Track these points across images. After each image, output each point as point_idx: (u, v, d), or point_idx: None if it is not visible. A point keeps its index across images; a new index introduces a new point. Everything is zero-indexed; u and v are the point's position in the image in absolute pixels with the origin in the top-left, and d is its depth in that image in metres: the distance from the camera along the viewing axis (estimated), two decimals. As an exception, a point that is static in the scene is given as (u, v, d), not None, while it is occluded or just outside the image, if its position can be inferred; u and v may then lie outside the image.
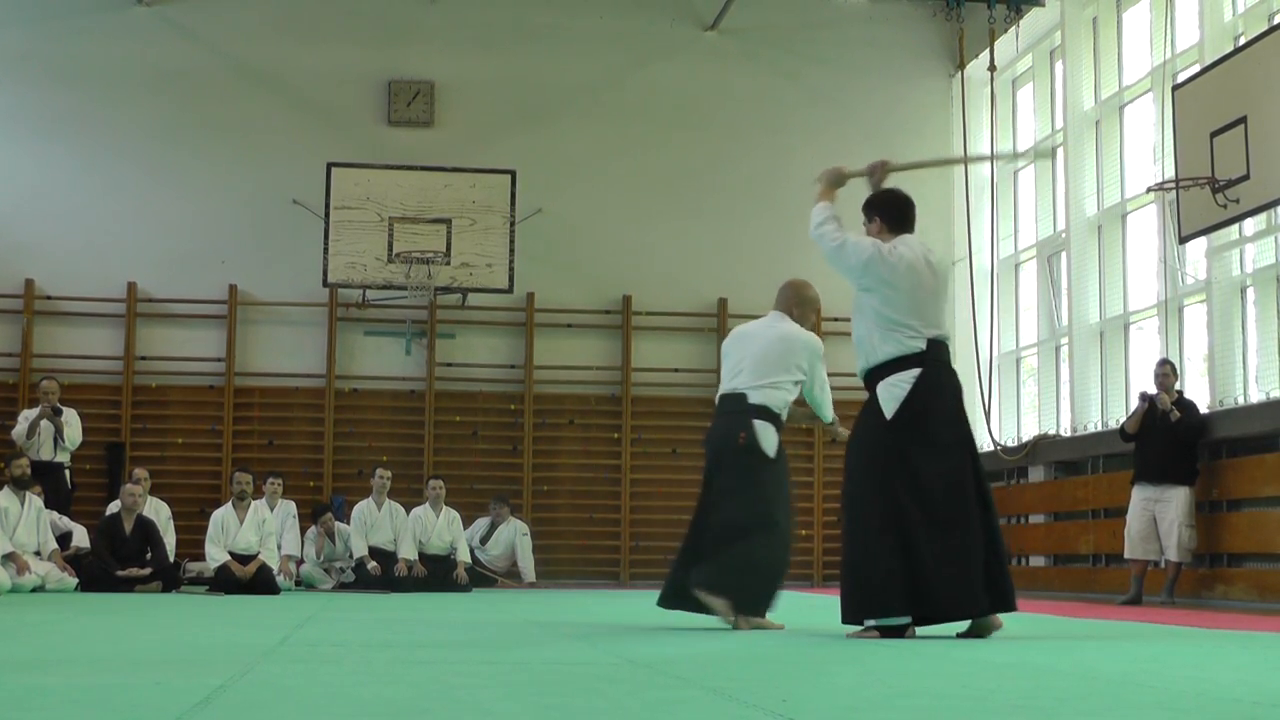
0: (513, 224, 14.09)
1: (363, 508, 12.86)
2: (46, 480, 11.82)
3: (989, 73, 14.86)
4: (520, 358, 14.85)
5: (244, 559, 11.40)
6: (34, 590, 10.68)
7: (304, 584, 12.78)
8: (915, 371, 5.78)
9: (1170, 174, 11.16)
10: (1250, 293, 11.38)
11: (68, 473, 12.46)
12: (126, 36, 14.80)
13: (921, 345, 5.83)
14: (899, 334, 5.83)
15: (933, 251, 5.99)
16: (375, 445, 14.45)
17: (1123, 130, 13.41)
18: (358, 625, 6.61)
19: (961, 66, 15.49)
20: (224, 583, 11.20)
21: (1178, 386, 10.77)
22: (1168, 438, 10.45)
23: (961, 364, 15.27)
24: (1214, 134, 10.38)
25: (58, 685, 3.57)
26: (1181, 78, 11.59)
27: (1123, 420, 11.26)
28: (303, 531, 13.02)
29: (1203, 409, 10.85)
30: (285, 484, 13.09)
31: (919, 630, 5.71)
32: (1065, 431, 13.64)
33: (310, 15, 15.12)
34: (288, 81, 15.00)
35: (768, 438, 6.36)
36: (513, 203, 14.13)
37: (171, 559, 11.94)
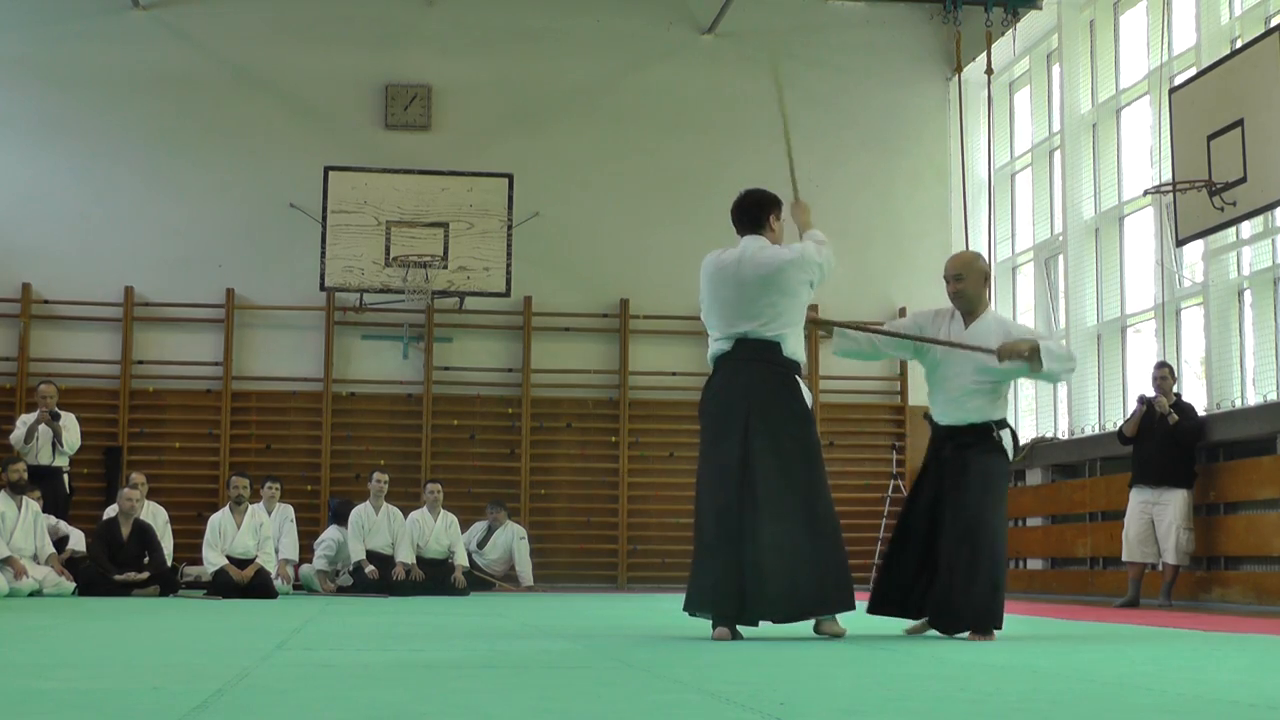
0: (510, 227, 14.09)
1: (360, 512, 12.85)
2: (44, 485, 11.81)
3: (986, 76, 14.87)
4: (518, 361, 14.85)
5: (241, 563, 11.40)
6: (31, 594, 10.67)
7: (302, 588, 12.77)
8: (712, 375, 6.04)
9: (1167, 177, 11.17)
10: (1247, 295, 11.39)
11: (66, 477, 12.45)
12: (123, 40, 14.80)
13: (727, 346, 5.99)
14: (711, 339, 6.08)
15: (765, 249, 6.03)
16: (373, 449, 14.44)
17: (1120, 133, 13.43)
18: (355, 629, 6.60)
19: (958, 70, 15.50)
20: (221, 587, 11.20)
21: (1175, 389, 10.78)
22: (1165, 440, 10.46)
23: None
24: (1211, 137, 10.40)
25: (55, 690, 3.57)
26: (1178, 80, 11.60)
27: (1120, 423, 11.26)
28: (309, 535, 13.00)
29: (1200, 411, 10.86)
30: (282, 488, 13.08)
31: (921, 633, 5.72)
32: (1063, 434, 13.65)
33: (307, 18, 15.12)
34: (284, 85, 15.00)
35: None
36: (510, 206, 14.13)
37: (169, 563, 11.93)
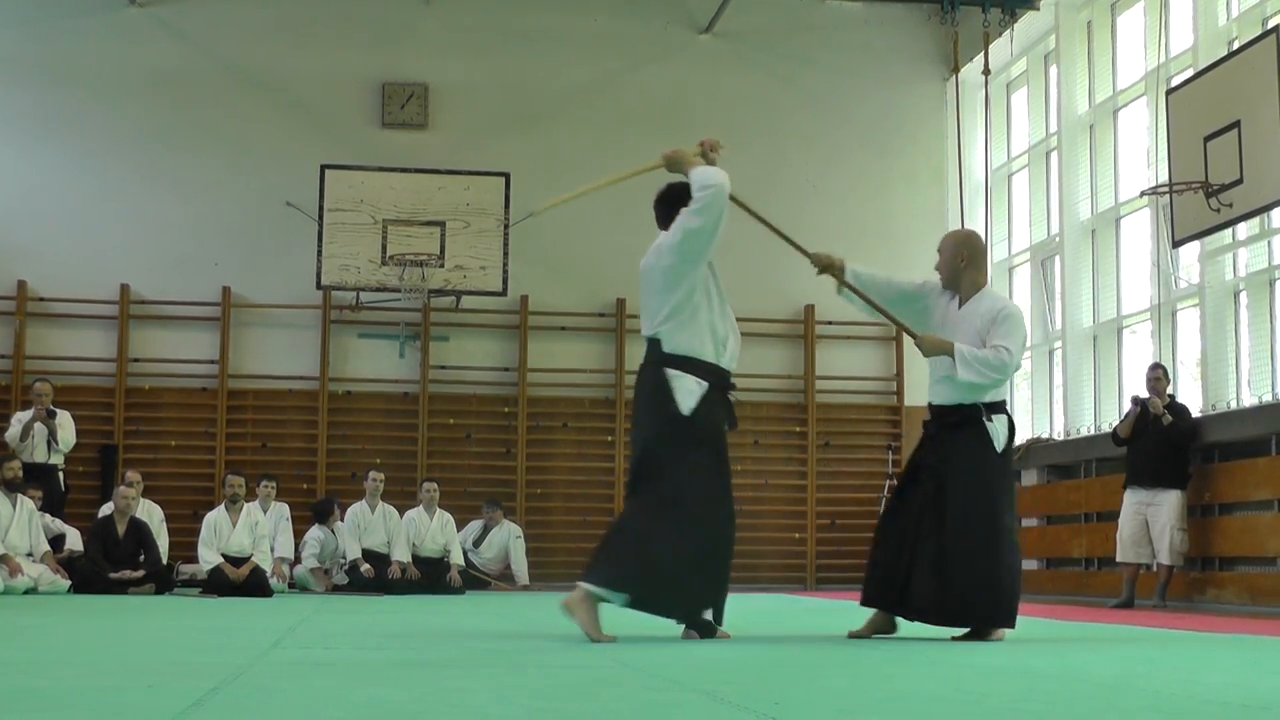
0: (506, 227, 14.09)
1: (356, 510, 12.85)
2: (40, 483, 11.80)
3: (983, 76, 14.89)
4: (514, 360, 14.85)
5: (237, 561, 11.40)
6: (26, 592, 10.66)
7: (297, 586, 12.77)
8: None
9: (1164, 178, 11.19)
10: (1243, 297, 11.40)
11: (61, 475, 12.45)
12: (119, 38, 14.79)
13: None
14: None
15: (664, 240, 5.89)
16: (369, 448, 14.43)
17: (1116, 134, 13.44)
18: (351, 628, 6.60)
19: (956, 70, 15.51)
20: (217, 585, 11.19)
21: (1170, 390, 10.79)
22: (1159, 441, 10.47)
23: (955, 367, 15.32)
24: (1207, 138, 10.41)
25: (50, 688, 3.57)
26: (1175, 82, 11.62)
27: (1115, 424, 11.28)
28: (298, 535, 13.01)
29: (1195, 413, 10.87)
30: (279, 487, 13.07)
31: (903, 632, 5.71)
32: (1058, 435, 13.66)
33: (304, 17, 15.11)
34: (281, 83, 14.99)
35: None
36: (507, 205, 14.13)
37: (165, 561, 11.93)
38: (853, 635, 6.01)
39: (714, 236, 5.80)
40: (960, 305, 6.16)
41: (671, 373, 5.71)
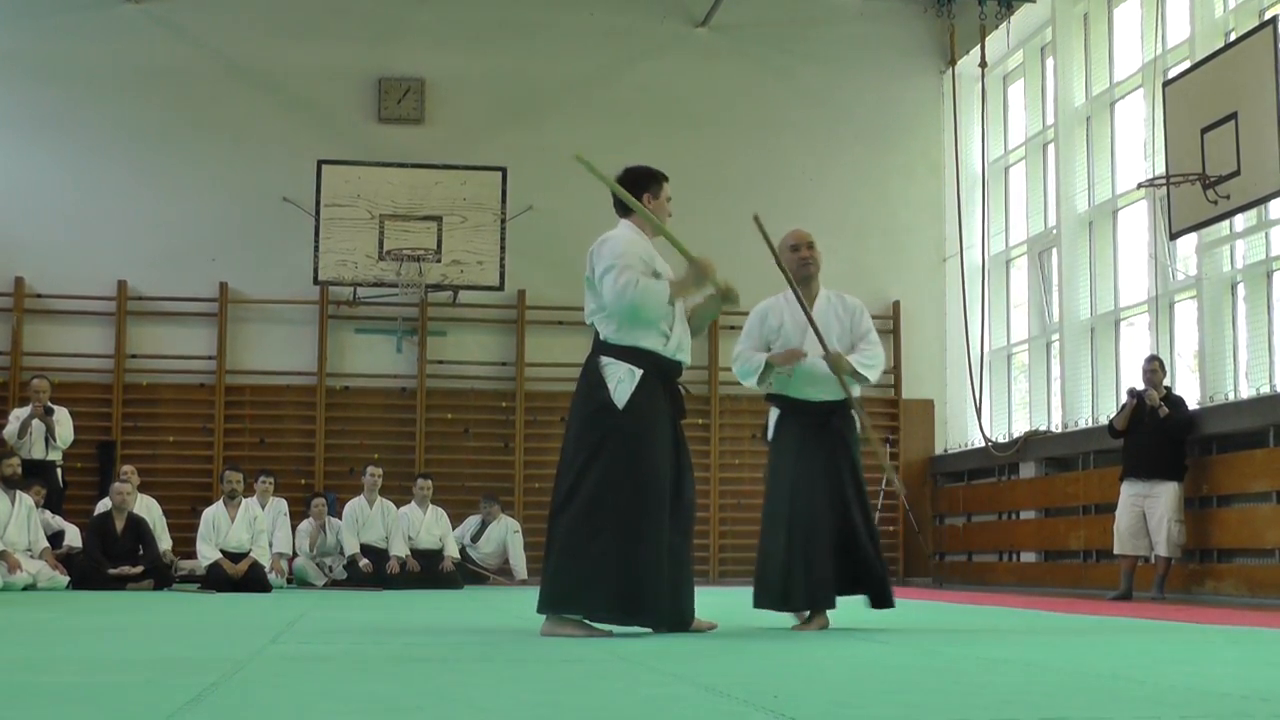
0: (504, 221, 14.09)
1: (354, 505, 12.87)
2: (38, 479, 11.80)
3: (980, 69, 14.88)
4: (511, 355, 14.84)
5: (235, 557, 11.40)
6: (25, 589, 10.67)
7: (296, 581, 12.77)
8: None
9: (1161, 170, 11.19)
10: (1240, 289, 11.40)
11: (59, 472, 12.45)
12: (115, 34, 14.77)
13: None
14: None
15: (603, 239, 5.85)
16: (366, 443, 14.44)
17: (1113, 126, 13.43)
18: (349, 623, 6.60)
19: (953, 63, 15.50)
20: (216, 581, 11.20)
21: (1167, 382, 10.79)
22: (1156, 433, 10.47)
23: (953, 360, 15.34)
24: (1205, 130, 10.41)
25: (49, 684, 3.57)
26: (1172, 74, 11.62)
27: (1112, 416, 11.28)
28: (294, 527, 13.01)
29: (1193, 405, 10.87)
30: (277, 482, 13.07)
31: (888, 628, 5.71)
32: (1056, 427, 13.66)
33: (300, 12, 15.10)
34: (278, 79, 14.98)
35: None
36: (503, 200, 14.13)
37: (166, 558, 11.93)
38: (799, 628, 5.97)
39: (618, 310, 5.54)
40: (811, 307, 6.20)
41: (605, 360, 5.53)
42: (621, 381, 5.47)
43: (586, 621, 5.42)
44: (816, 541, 5.95)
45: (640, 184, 5.94)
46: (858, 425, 6.30)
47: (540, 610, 5.48)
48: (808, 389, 6.14)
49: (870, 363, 6.18)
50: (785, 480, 6.08)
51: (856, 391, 6.23)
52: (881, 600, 6.11)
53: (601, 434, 5.43)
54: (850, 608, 6.10)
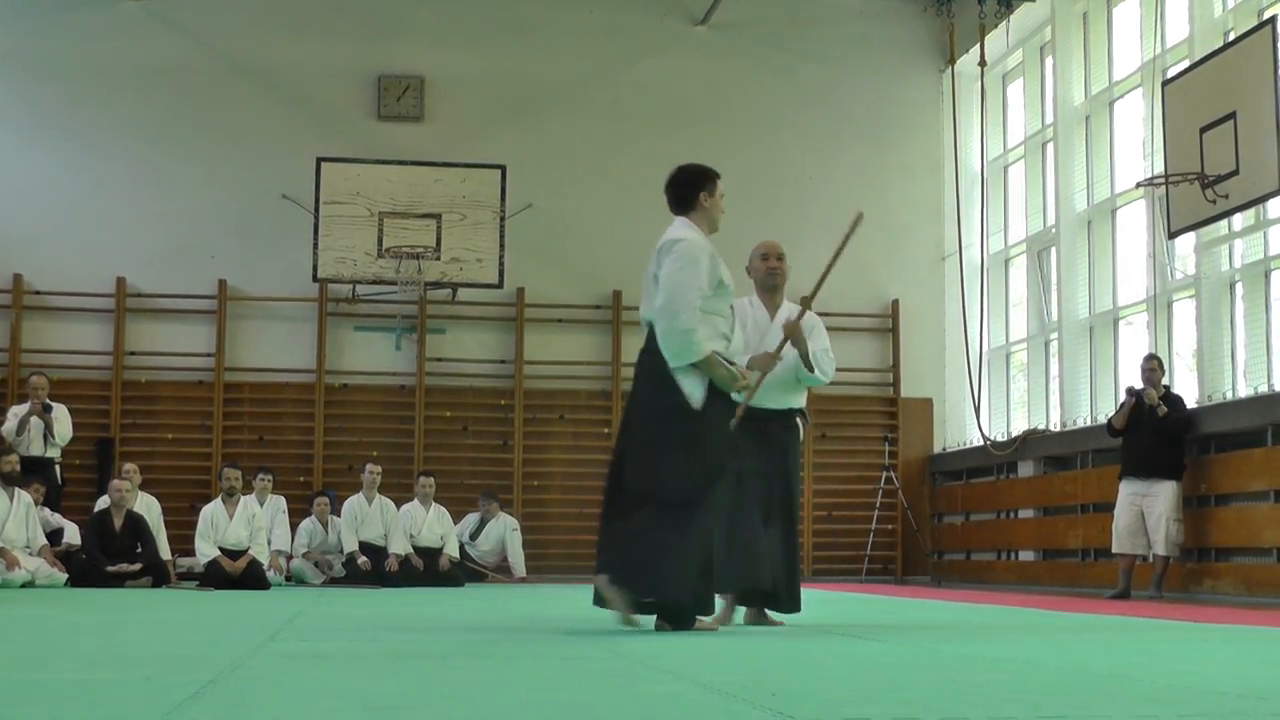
0: (503, 219, 14.08)
1: (353, 503, 12.88)
2: (37, 477, 11.80)
3: (979, 68, 14.88)
4: (510, 353, 14.85)
5: (234, 554, 11.40)
6: (24, 586, 10.67)
7: (294, 579, 12.78)
8: None
9: (1160, 169, 11.19)
10: (1239, 288, 11.41)
11: (57, 469, 12.45)
12: (115, 31, 14.77)
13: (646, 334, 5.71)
14: None
15: (667, 235, 5.86)
16: (365, 441, 14.44)
17: (1112, 125, 13.44)
18: (348, 620, 6.61)
19: (952, 62, 15.51)
20: (214, 578, 11.20)
21: (1165, 381, 10.80)
22: (1154, 432, 10.47)
23: (951, 359, 15.34)
24: (1203, 129, 10.42)
25: (47, 681, 3.57)
26: (1171, 73, 11.62)
27: (1110, 415, 11.28)
28: (294, 525, 13.02)
29: (1192, 404, 10.88)
30: (275, 480, 13.07)
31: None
32: (1054, 426, 13.67)
33: (300, 10, 15.09)
34: (277, 76, 14.98)
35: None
36: (503, 198, 14.12)
37: (165, 555, 11.93)
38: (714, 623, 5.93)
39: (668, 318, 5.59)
40: (773, 317, 6.30)
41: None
42: (695, 384, 5.49)
43: (631, 615, 5.46)
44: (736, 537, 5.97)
45: (695, 183, 5.95)
46: (800, 433, 6.37)
47: (614, 585, 5.48)
48: (760, 394, 6.01)
49: (824, 364, 6.23)
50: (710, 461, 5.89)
51: (802, 401, 6.33)
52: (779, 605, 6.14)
53: (683, 432, 5.47)
54: (847, 607, 6.10)
